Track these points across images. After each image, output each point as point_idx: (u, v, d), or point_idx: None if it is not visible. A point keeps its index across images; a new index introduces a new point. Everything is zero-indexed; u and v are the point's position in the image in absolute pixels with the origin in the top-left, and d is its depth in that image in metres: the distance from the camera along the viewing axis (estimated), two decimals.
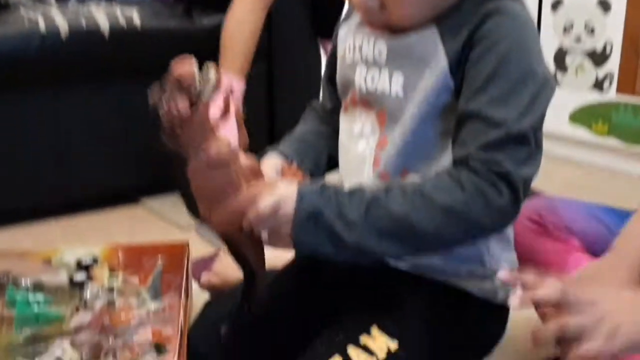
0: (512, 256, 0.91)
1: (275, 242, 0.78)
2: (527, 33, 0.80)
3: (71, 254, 1.20)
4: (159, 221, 1.67)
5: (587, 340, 0.71)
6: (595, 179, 1.91)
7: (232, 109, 0.80)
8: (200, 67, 0.70)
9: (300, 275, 0.95)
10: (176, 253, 1.20)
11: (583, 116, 2.02)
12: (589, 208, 1.10)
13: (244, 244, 0.79)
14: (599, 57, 2.00)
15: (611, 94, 1.98)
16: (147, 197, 1.78)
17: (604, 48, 1.98)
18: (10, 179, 1.60)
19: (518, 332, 0.93)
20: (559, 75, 2.10)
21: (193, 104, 0.69)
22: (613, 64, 1.97)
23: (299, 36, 1.91)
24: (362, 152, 0.86)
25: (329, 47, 0.99)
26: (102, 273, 1.14)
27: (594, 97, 2.02)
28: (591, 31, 2.01)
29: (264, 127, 1.77)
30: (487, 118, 0.76)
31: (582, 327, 0.72)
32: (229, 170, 0.75)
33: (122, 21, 1.63)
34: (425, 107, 0.80)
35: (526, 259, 0.94)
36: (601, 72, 2.00)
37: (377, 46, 0.85)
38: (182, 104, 0.68)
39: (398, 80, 0.83)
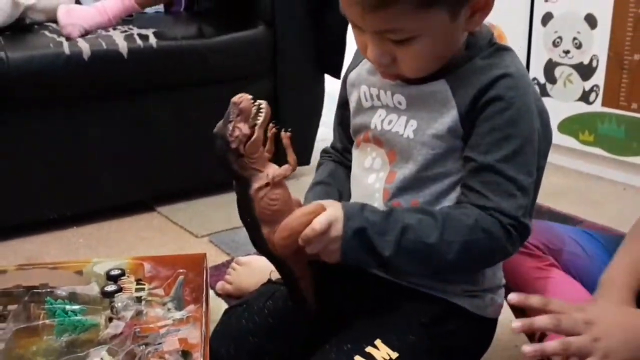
0: (500, 274, 1.05)
1: (325, 256, 0.91)
2: (530, 93, 0.93)
3: (100, 266, 1.33)
4: (174, 229, 1.79)
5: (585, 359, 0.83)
6: (581, 185, 2.03)
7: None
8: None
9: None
10: (196, 264, 1.32)
11: (570, 126, 2.13)
12: (565, 229, 1.22)
13: (297, 265, 0.94)
14: (586, 71, 2.11)
15: (597, 106, 2.09)
16: (162, 206, 1.90)
17: (591, 62, 2.10)
18: (36, 190, 1.71)
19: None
20: (549, 87, 2.22)
21: (251, 127, 0.87)
22: (599, 77, 2.08)
23: (304, 72, 2.04)
24: (372, 184, 0.99)
25: None
26: (130, 284, 1.26)
27: (581, 108, 2.13)
28: (579, 46, 2.12)
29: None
30: (502, 173, 0.90)
31: (581, 347, 0.84)
32: (285, 191, 0.90)
33: (139, 41, 1.74)
34: (435, 150, 0.93)
35: (509, 276, 1.06)
36: (588, 84, 2.11)
37: (395, 97, 0.97)
38: (244, 127, 0.86)
39: (412, 125, 0.95)
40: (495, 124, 0.90)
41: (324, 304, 1.02)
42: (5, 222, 1.71)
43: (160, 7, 2.06)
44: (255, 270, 1.40)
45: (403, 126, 0.96)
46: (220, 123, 0.88)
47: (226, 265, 1.53)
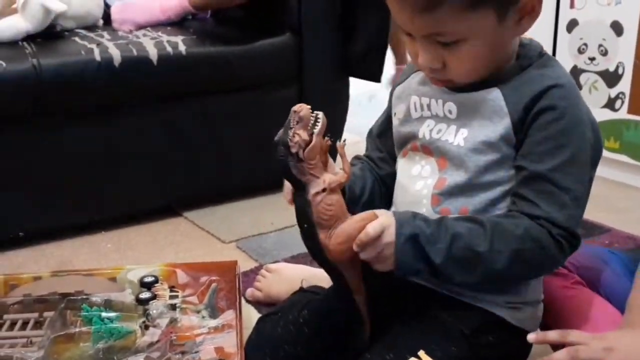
0: (541, 288, 1.06)
1: (378, 264, 0.92)
2: (580, 104, 0.94)
3: (133, 273, 1.34)
4: (201, 234, 1.80)
5: None
6: (607, 193, 2.02)
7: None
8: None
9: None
10: (227, 271, 1.34)
11: None
12: (589, 248, 1.22)
13: (352, 278, 0.96)
14: (611, 78, 2.11)
15: (622, 113, 2.09)
16: (189, 211, 1.91)
17: (617, 69, 2.09)
18: (67, 196, 1.73)
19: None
20: None
21: (310, 135, 0.91)
22: (625, 85, 2.07)
23: (329, 79, 2.05)
24: (420, 191, 1.00)
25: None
26: (164, 292, 1.27)
27: (606, 115, 2.13)
28: (604, 53, 2.11)
29: None
30: (554, 182, 0.91)
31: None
32: (340, 198, 0.94)
33: (168, 48, 1.75)
34: (487, 158, 0.95)
35: None
36: (614, 91, 2.11)
37: (446, 106, 0.99)
38: (304, 134, 0.90)
39: (463, 133, 0.97)
40: (549, 133, 0.92)
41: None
42: (37, 228, 1.73)
43: None
44: (285, 278, 1.41)
45: (453, 134, 0.98)
46: (280, 131, 0.92)
47: (255, 271, 1.54)
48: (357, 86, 2.22)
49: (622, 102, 2.09)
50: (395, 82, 1.12)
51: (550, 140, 0.92)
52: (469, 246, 0.90)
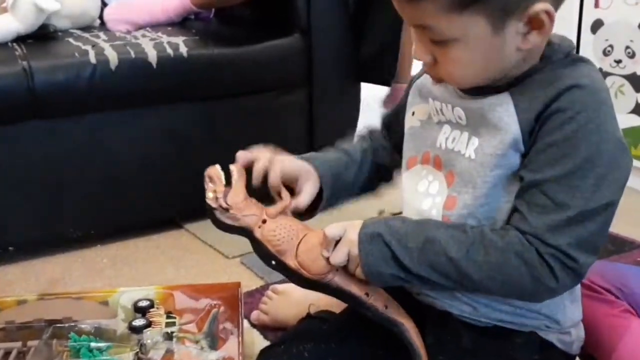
0: (579, 307, 0.95)
1: (353, 267, 0.87)
2: (601, 111, 0.82)
3: (127, 296, 1.23)
4: (203, 248, 1.69)
5: None
6: (636, 204, 1.91)
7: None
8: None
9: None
10: (230, 294, 1.23)
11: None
12: (632, 270, 1.11)
13: (359, 286, 0.90)
14: (639, 82, 1.99)
15: None
16: (190, 223, 1.80)
17: None
18: (60, 207, 1.63)
19: None
20: None
21: (226, 185, 0.95)
22: None
23: (340, 82, 1.94)
24: (429, 211, 0.90)
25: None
26: (159, 318, 1.17)
27: (633, 121, 2.01)
28: (632, 55, 2.00)
29: None
30: (548, 195, 0.80)
31: None
32: (288, 220, 0.93)
33: (169, 50, 1.65)
34: (497, 172, 0.84)
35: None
36: None
37: (455, 111, 0.89)
38: (218, 187, 0.94)
39: (474, 143, 0.86)
40: (553, 140, 0.80)
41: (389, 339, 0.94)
42: (28, 242, 1.63)
43: None
44: (293, 300, 1.30)
45: (465, 144, 0.87)
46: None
47: (260, 291, 1.43)
48: (367, 86, 2.11)
49: None
50: (389, 104, 1.04)
51: (553, 147, 0.80)
52: (443, 250, 0.83)
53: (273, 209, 0.93)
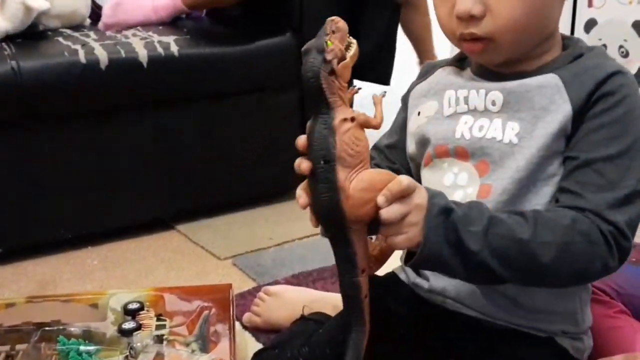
0: (590, 312, 0.95)
1: (397, 234, 0.77)
2: (638, 95, 0.84)
3: (117, 298, 1.22)
4: (195, 250, 1.68)
5: None
6: None
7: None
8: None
9: (416, 323, 0.94)
10: (221, 296, 1.21)
11: None
12: (632, 270, 1.10)
13: (361, 245, 0.79)
14: None
15: None
16: (182, 224, 1.79)
17: (639, 72, 1.97)
18: (50, 209, 1.61)
19: None
20: None
21: (345, 50, 0.78)
22: None
23: None
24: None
25: None
26: (149, 321, 1.15)
27: None
28: (625, 54, 1.99)
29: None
30: (604, 174, 0.81)
31: None
32: (367, 141, 0.78)
33: (159, 49, 1.63)
34: (543, 152, 0.84)
35: None
36: None
37: (490, 96, 0.88)
38: (340, 45, 0.77)
39: (513, 128, 0.85)
40: (604, 121, 0.82)
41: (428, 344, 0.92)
42: (18, 243, 1.61)
43: None
44: (286, 302, 1.28)
45: (500, 130, 0.86)
46: (312, 40, 0.78)
47: (252, 293, 1.41)
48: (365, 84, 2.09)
49: None
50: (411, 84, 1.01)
51: (604, 128, 0.82)
52: (510, 233, 0.77)
53: (364, 116, 0.78)
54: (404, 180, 0.76)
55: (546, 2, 0.84)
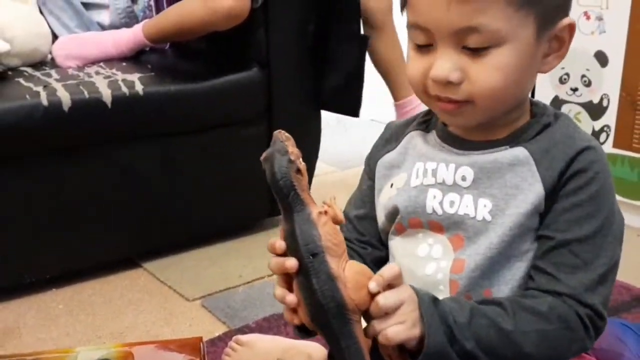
0: None
1: (393, 325, 0.76)
2: (608, 170, 0.85)
3: (84, 356, 1.19)
4: (162, 290, 1.65)
5: None
6: None
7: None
8: None
9: None
10: (191, 349, 1.20)
11: None
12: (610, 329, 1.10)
13: (360, 335, 0.79)
14: (595, 110, 2.00)
15: (608, 147, 1.99)
16: (149, 262, 1.76)
17: (601, 101, 1.99)
18: (11, 252, 1.57)
19: None
20: None
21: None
22: (610, 118, 1.97)
23: (301, 113, 1.91)
24: (434, 275, 0.87)
25: None
26: None
27: None
28: (588, 84, 2.01)
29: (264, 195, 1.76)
30: (580, 255, 0.81)
31: None
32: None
33: (124, 88, 1.60)
34: (515, 231, 0.83)
35: None
36: (598, 124, 2.00)
37: (459, 171, 0.87)
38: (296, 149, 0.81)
39: (486, 205, 0.85)
40: (577, 200, 0.82)
41: None
42: None
43: None
44: (259, 352, 1.26)
45: (472, 207, 0.85)
46: (268, 149, 0.81)
47: (223, 339, 1.39)
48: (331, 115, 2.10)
49: (607, 136, 1.99)
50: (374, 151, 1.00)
51: (578, 207, 0.82)
52: (493, 322, 0.79)
53: (332, 211, 0.80)
54: (396, 266, 0.78)
55: (523, 72, 0.83)
